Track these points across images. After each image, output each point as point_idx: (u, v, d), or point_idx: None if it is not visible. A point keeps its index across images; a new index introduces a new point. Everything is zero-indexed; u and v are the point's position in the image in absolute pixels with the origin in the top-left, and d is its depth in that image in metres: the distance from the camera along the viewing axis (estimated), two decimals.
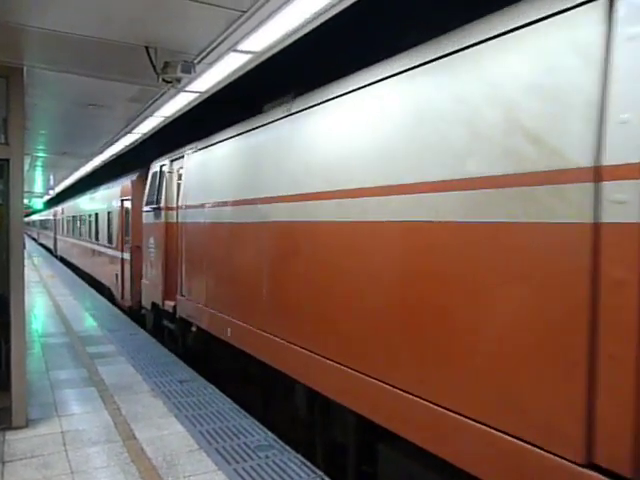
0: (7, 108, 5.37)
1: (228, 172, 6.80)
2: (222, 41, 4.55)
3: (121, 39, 4.66)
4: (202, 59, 5.01)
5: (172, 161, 9.14)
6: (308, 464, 4.67)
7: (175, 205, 8.78)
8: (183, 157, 8.53)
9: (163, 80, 4.97)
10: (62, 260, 27.98)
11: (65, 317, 11.73)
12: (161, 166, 9.49)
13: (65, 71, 5.69)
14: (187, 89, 6.06)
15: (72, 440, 5.08)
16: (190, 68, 4.86)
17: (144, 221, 10.32)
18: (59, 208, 30.45)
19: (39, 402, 6.09)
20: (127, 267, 11.92)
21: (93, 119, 8.17)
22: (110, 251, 14.23)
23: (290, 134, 5.25)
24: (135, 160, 12.82)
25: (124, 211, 12.61)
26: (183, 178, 8.40)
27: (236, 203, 6.32)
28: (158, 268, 9.26)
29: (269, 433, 5.36)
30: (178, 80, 5.01)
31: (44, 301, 14.09)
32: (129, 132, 9.11)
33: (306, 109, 5.01)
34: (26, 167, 13.18)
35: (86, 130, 9.28)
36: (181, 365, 7.93)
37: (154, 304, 9.65)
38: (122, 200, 12.71)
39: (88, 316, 11.91)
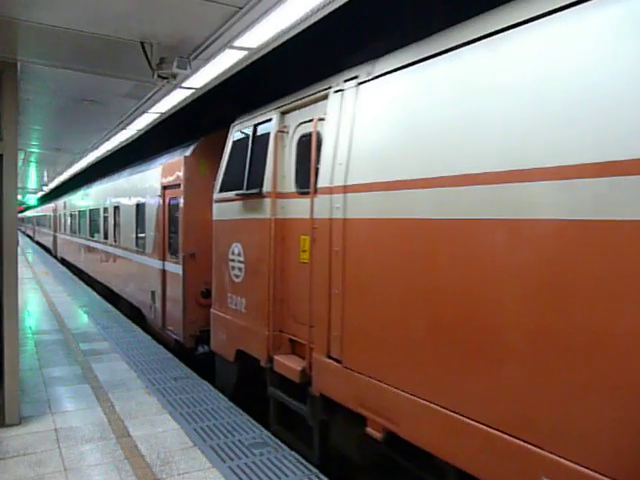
0: (0, 103, 5.33)
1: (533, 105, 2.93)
2: (218, 37, 4.54)
3: (116, 34, 4.64)
4: (198, 55, 4.99)
5: (285, 113, 5.47)
6: (303, 462, 4.67)
7: (296, 190, 5.19)
8: (326, 98, 4.72)
9: (158, 76, 4.96)
10: (64, 263, 23.98)
11: (59, 314, 11.68)
12: (256, 125, 5.91)
13: (59, 66, 5.66)
14: (183, 85, 6.04)
15: (65, 437, 5.07)
16: (186, 64, 4.85)
17: (216, 217, 6.69)
18: (60, 202, 25.76)
19: (32, 399, 6.07)
20: (175, 284, 8.39)
21: (87, 115, 8.13)
22: (141, 258, 10.40)
23: None
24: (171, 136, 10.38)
25: (168, 203, 8.91)
26: (328, 138, 4.53)
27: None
28: (256, 296, 5.66)
29: (264, 430, 5.36)
30: (174, 76, 5.00)
31: (37, 298, 14.02)
32: (124, 128, 9.07)
33: None
34: (19, 163, 13.11)
35: (80, 126, 9.23)
36: (175, 362, 7.91)
37: (242, 353, 6.02)
38: (164, 187, 8.99)
39: (82, 313, 11.86)
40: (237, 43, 4.64)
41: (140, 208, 10.55)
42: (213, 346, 6.82)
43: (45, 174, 19.54)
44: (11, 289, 5.31)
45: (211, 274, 6.91)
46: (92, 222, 16.44)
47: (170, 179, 8.68)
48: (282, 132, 5.42)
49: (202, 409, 5.91)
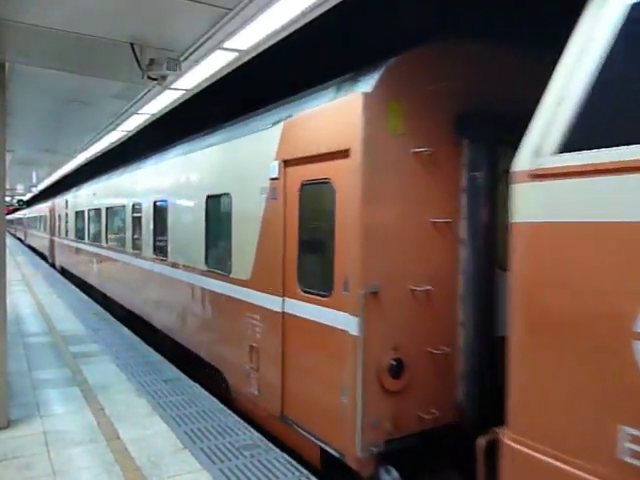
0: None
1: None
2: (208, 39, 4.54)
3: (106, 35, 4.63)
4: (188, 56, 4.99)
5: None
6: (294, 463, 4.67)
7: None
8: None
9: (148, 77, 4.95)
10: (64, 273, 20.26)
11: (48, 316, 11.58)
12: None
13: (48, 67, 5.63)
14: (173, 87, 6.03)
15: (54, 440, 5.02)
16: (176, 65, 4.84)
17: (579, 217, 2.37)
18: (60, 200, 21.61)
19: (20, 402, 6.01)
20: (322, 344, 4.57)
21: (77, 116, 8.09)
22: (221, 287, 6.46)
23: None
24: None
25: (299, 191, 4.91)
26: None
27: None
28: None
29: (254, 432, 5.35)
30: (164, 77, 5.00)
31: (26, 300, 13.89)
32: (113, 129, 9.04)
33: None
34: (7, 164, 12.98)
35: (70, 127, 9.18)
36: (166, 364, 7.87)
37: None
38: (287, 163, 5.06)
39: (72, 315, 11.76)
40: (227, 44, 4.65)
41: (215, 204, 6.76)
42: None
43: (34, 175, 19.37)
44: None
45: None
46: (110, 225, 12.73)
47: (308, 145, 4.68)
48: None
49: (192, 411, 5.89)
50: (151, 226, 9.20)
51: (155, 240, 9.07)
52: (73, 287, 16.69)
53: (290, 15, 3.99)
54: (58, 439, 5.05)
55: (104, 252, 13.21)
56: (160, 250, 8.77)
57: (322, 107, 4.68)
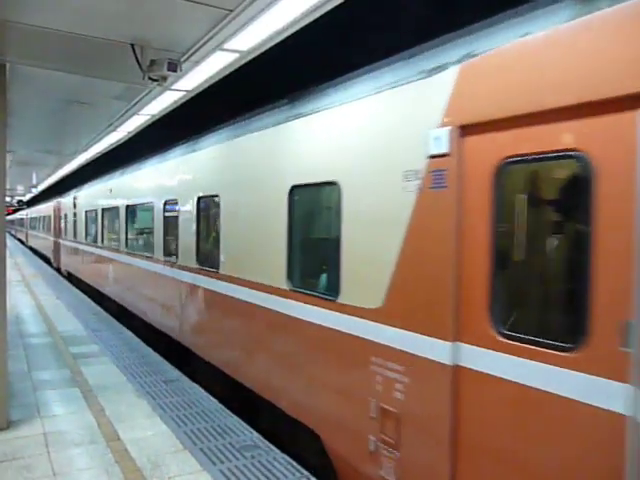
0: None
1: None
2: (208, 40, 4.55)
3: (106, 36, 4.63)
4: (188, 57, 4.99)
5: None
6: (294, 464, 4.67)
7: None
8: None
9: (149, 78, 4.95)
10: (71, 279, 18.75)
11: (48, 317, 11.57)
12: None
13: (49, 68, 5.63)
14: (173, 87, 6.03)
15: (54, 441, 5.02)
16: (176, 66, 4.84)
17: None
18: (66, 199, 19.85)
19: (21, 403, 6.00)
20: (580, 437, 2.69)
21: (78, 117, 8.09)
22: (311, 313, 4.76)
23: None
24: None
25: (490, 177, 3.15)
26: None
27: None
28: None
29: (254, 433, 5.35)
30: (164, 78, 4.99)
31: (26, 300, 13.88)
32: (114, 130, 9.04)
33: None
34: (8, 164, 12.97)
35: (71, 128, 9.19)
36: (166, 365, 7.87)
37: None
38: (460, 131, 3.32)
39: (71, 316, 11.75)
40: (228, 45, 4.66)
41: (305, 198, 5.26)
42: None
43: (34, 175, 19.37)
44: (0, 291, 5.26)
45: None
46: (131, 226, 11.15)
47: (521, 97, 2.98)
48: None
49: (192, 412, 5.89)
50: (193, 229, 7.37)
51: (199, 246, 7.30)
52: (73, 288, 16.68)
53: (291, 16, 4.00)
54: (58, 440, 5.05)
55: (122, 258, 11.42)
56: (207, 259, 6.99)
57: (560, 30, 2.85)
